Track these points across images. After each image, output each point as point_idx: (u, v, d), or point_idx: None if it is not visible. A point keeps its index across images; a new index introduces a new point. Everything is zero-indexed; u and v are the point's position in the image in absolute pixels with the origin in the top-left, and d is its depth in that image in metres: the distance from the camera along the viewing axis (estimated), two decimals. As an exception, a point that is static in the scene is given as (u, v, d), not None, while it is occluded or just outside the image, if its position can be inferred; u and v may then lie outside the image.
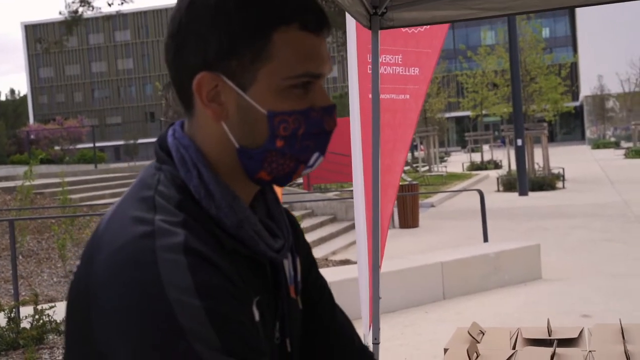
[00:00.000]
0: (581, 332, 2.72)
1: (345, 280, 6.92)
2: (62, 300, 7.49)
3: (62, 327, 5.61)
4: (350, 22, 3.97)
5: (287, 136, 1.08)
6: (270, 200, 1.26)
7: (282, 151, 1.09)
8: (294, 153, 1.09)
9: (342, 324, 1.35)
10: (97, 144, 41.37)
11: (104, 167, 26.63)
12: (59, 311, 5.95)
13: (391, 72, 4.14)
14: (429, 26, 4.82)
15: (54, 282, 9.18)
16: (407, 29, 4.77)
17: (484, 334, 2.81)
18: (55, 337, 6.04)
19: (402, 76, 4.61)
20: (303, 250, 1.34)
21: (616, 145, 49.12)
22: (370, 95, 3.82)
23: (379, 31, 3.20)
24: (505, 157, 27.14)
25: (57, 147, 33.83)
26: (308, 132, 1.09)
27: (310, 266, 1.36)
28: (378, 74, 3.40)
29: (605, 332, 2.66)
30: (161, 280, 0.94)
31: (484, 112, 37.65)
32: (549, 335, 2.70)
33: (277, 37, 1.06)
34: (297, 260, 1.27)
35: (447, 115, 43.01)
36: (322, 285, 1.37)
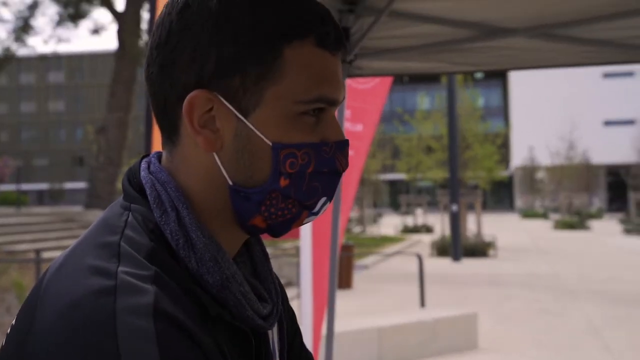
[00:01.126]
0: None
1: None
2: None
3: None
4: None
5: (293, 174, 0.89)
6: (257, 254, 1.04)
7: (285, 192, 0.89)
8: (299, 196, 0.90)
9: None
10: (21, 186, 40.09)
11: (25, 210, 25.69)
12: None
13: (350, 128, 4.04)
14: (375, 83, 4.77)
15: (-37, 331, 8.60)
16: (358, 84, 4.70)
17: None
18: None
19: (349, 132, 4.51)
20: (288, 316, 1.11)
21: (544, 216, 50.40)
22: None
23: (346, 80, 3.06)
24: (438, 221, 27.38)
25: (-24, 187, 32.65)
26: (317, 170, 0.90)
27: (294, 335, 1.13)
28: (342, 125, 3.26)
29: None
30: (119, 354, 0.72)
31: (418, 175, 38.16)
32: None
33: (289, 53, 0.87)
34: (284, 329, 1.06)
35: (382, 177, 43.41)
36: (307, 359, 1.16)
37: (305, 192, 0.90)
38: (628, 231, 31.63)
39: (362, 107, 4.67)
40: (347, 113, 4.42)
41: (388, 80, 5.07)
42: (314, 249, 4.32)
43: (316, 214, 0.94)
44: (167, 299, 0.79)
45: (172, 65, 0.88)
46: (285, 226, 0.93)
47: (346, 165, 0.94)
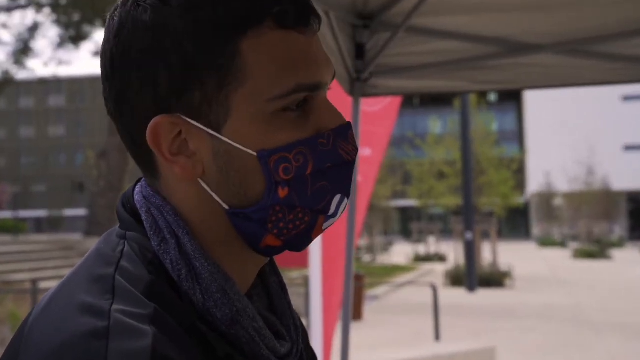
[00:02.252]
0: None
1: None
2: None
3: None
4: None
5: (291, 180, 0.80)
6: (273, 286, 0.95)
7: (289, 203, 0.80)
8: (306, 202, 0.81)
9: None
10: (18, 213, 40.15)
11: (23, 238, 25.68)
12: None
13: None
14: (384, 105, 4.71)
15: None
16: (366, 106, 4.64)
17: None
18: None
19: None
20: (308, 357, 1.00)
21: (562, 244, 50.13)
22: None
23: (360, 99, 2.99)
24: (452, 249, 27.22)
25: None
26: (319, 168, 0.81)
27: None
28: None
29: None
30: None
31: (430, 202, 38.07)
32: None
33: (246, 47, 0.78)
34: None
35: (393, 203, 43.33)
36: None
37: (313, 196, 0.81)
38: (651, 261, 31.37)
39: (370, 131, 4.59)
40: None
41: (397, 103, 5.02)
42: (324, 277, 4.24)
43: (334, 215, 0.85)
44: (168, 342, 0.71)
45: (125, 96, 0.80)
46: (303, 238, 0.84)
47: (354, 151, 0.84)
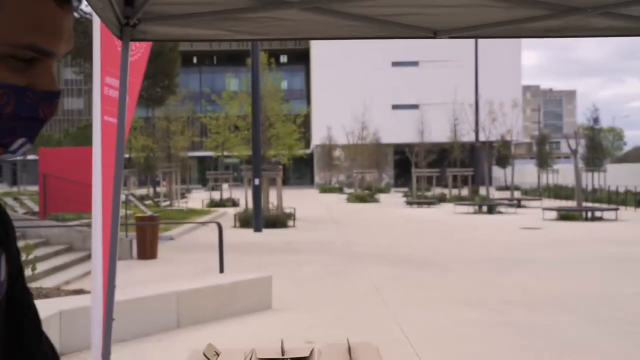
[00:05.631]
0: (312, 351, 2.69)
1: (77, 308, 6.41)
2: None
3: None
4: (96, 42, 3.71)
5: None
6: None
7: None
8: None
9: (46, 354, 1.07)
10: None
11: None
12: None
13: (113, 95, 3.91)
14: (139, 55, 4.67)
15: None
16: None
17: (219, 355, 2.67)
18: None
19: (112, 100, 4.40)
20: (11, 250, 1.03)
21: (340, 190, 52.51)
22: (106, 117, 3.60)
23: (130, 43, 2.96)
24: (243, 195, 27.60)
25: None
26: (17, 113, 0.84)
27: (18, 274, 1.06)
28: (126, 88, 3.16)
29: (333, 351, 2.65)
30: None
31: (225, 153, 38.14)
32: (282, 355, 2.64)
33: None
34: (2, 258, 0.98)
35: (191, 154, 42.90)
36: (29, 302, 1.07)
37: (2, 130, 0.85)
38: (409, 203, 33.77)
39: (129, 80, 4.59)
40: (117, 82, 4.27)
41: (147, 54, 5.01)
42: (105, 220, 4.19)
43: (14, 152, 0.89)
44: None
45: None
46: None
47: (50, 114, 0.89)
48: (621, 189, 33.44)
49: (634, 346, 6.79)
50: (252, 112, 21.35)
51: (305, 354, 2.64)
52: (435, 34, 2.87)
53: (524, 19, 2.80)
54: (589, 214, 24.07)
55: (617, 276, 11.29)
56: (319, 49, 66.58)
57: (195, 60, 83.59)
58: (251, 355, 2.70)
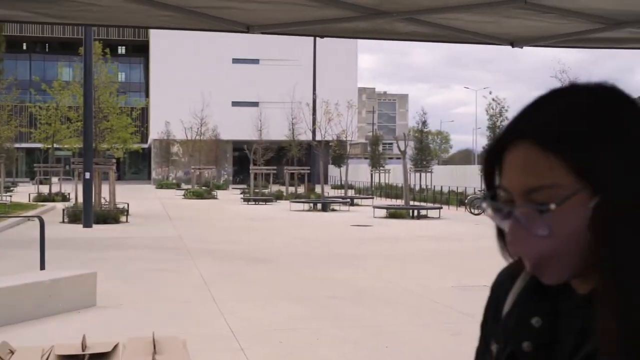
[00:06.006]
0: (116, 346, 2.61)
1: None
2: None
3: None
4: None
5: None
6: None
7: None
8: None
9: None
10: None
11: None
12: None
13: None
14: None
15: None
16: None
17: (13, 353, 2.52)
18: None
19: None
20: None
21: (177, 186, 51.59)
22: None
23: None
24: (74, 190, 26.35)
25: None
26: None
27: None
28: None
29: (138, 345, 2.58)
30: None
31: (56, 145, 36.21)
32: (83, 351, 2.53)
33: None
34: None
35: (18, 145, 40.31)
36: None
37: None
38: (246, 200, 33.88)
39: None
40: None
41: None
42: None
43: None
44: None
45: None
46: None
47: None
48: (445, 189, 35.55)
49: (447, 336, 7.23)
50: (83, 103, 20.44)
51: (108, 349, 2.56)
52: (248, 28, 2.88)
53: (334, 19, 2.89)
54: (416, 212, 25.37)
55: (436, 271, 11.98)
56: (158, 42, 64.96)
57: (25, 46, 78.60)
58: (49, 353, 2.57)
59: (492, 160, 0.93)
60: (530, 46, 3.20)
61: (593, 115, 0.86)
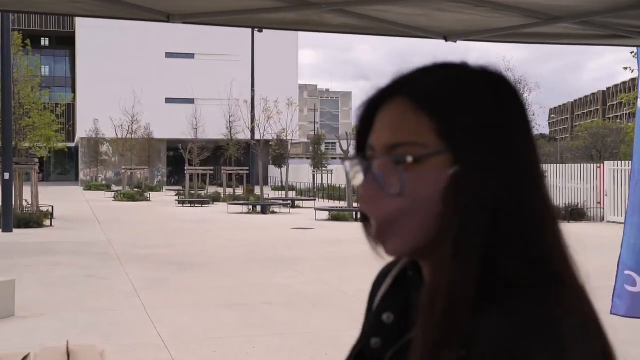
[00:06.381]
0: (26, 356, 2.55)
1: None
2: None
3: None
4: None
5: None
6: None
7: None
8: None
9: None
10: None
11: None
12: None
13: None
14: None
15: None
16: None
17: None
18: None
19: None
20: None
21: (107, 187, 50.65)
22: None
23: None
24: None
25: None
26: None
27: None
28: None
29: (51, 355, 2.53)
30: None
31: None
32: (-10, 363, 2.47)
33: None
34: None
35: None
36: None
37: None
38: (181, 202, 33.54)
39: None
40: None
41: None
42: None
43: None
44: None
45: None
46: None
47: None
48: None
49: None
50: (1, 98, 19.88)
51: (18, 359, 2.50)
52: (168, 17, 2.86)
53: (260, 9, 2.89)
54: (358, 214, 25.47)
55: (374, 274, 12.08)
56: (85, 34, 63.63)
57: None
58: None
59: (366, 116, 0.94)
60: (464, 40, 3.27)
61: (470, 87, 0.88)
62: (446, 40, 3.26)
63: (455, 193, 0.83)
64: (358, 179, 0.92)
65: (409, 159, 0.85)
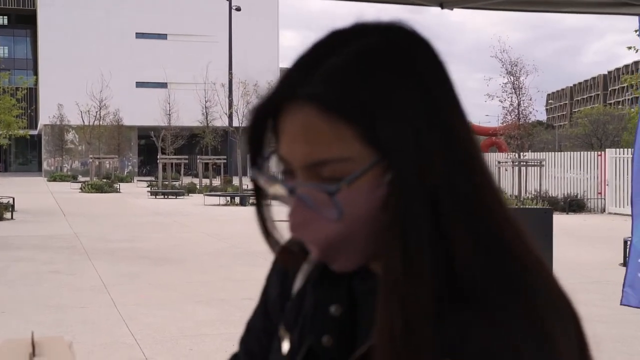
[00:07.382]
0: (-12, 350, 2.50)
1: None
2: None
3: None
4: None
5: None
6: None
7: None
8: None
9: None
10: None
11: None
12: None
13: None
14: None
15: None
16: None
17: None
18: None
19: None
20: None
21: (73, 178, 50.32)
22: None
23: None
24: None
25: None
26: None
27: None
28: None
29: (14, 347, 2.49)
30: None
31: None
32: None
33: None
34: None
35: None
36: None
37: None
38: (154, 193, 33.41)
39: None
40: None
41: None
42: None
43: None
44: None
45: None
46: None
47: None
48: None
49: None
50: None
51: (-22, 353, 2.45)
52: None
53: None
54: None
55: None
56: (48, 12, 63.05)
57: None
58: None
59: (261, 123, 0.84)
60: (461, 8, 3.23)
61: (385, 68, 0.77)
62: (442, 8, 3.23)
63: (396, 200, 0.75)
64: (277, 193, 0.83)
65: (344, 185, 0.76)
